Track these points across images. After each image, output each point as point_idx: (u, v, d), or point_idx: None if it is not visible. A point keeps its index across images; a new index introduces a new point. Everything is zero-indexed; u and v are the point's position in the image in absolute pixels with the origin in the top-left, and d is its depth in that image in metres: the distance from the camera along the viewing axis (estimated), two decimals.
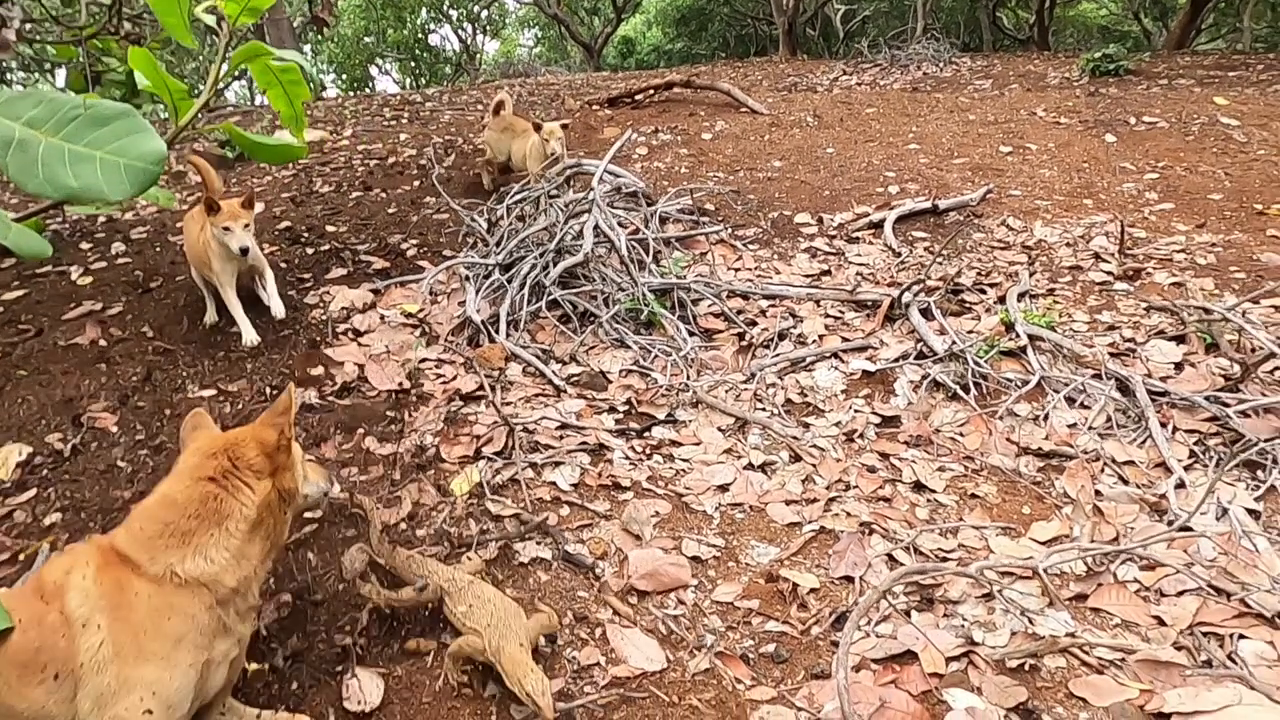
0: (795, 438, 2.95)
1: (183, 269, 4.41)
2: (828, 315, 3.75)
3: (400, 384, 3.26)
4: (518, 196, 4.36)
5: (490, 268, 3.89)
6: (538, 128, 4.90)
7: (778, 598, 2.14)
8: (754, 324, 3.71)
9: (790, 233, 4.65)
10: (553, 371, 3.32)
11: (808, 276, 4.12)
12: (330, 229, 5.17)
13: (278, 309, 3.50)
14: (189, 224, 3.73)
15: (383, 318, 3.91)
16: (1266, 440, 2.59)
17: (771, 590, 2.15)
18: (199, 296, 3.90)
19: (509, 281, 3.83)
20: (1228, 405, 2.73)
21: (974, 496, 2.64)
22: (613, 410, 3.08)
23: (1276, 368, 2.99)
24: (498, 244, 4.05)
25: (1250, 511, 2.40)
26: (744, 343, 3.59)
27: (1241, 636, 1.90)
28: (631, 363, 3.42)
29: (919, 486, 2.69)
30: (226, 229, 3.32)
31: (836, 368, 3.38)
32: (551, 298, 3.71)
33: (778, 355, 3.43)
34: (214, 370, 3.45)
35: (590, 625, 2.05)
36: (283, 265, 4.55)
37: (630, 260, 3.76)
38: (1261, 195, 4.59)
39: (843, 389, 3.26)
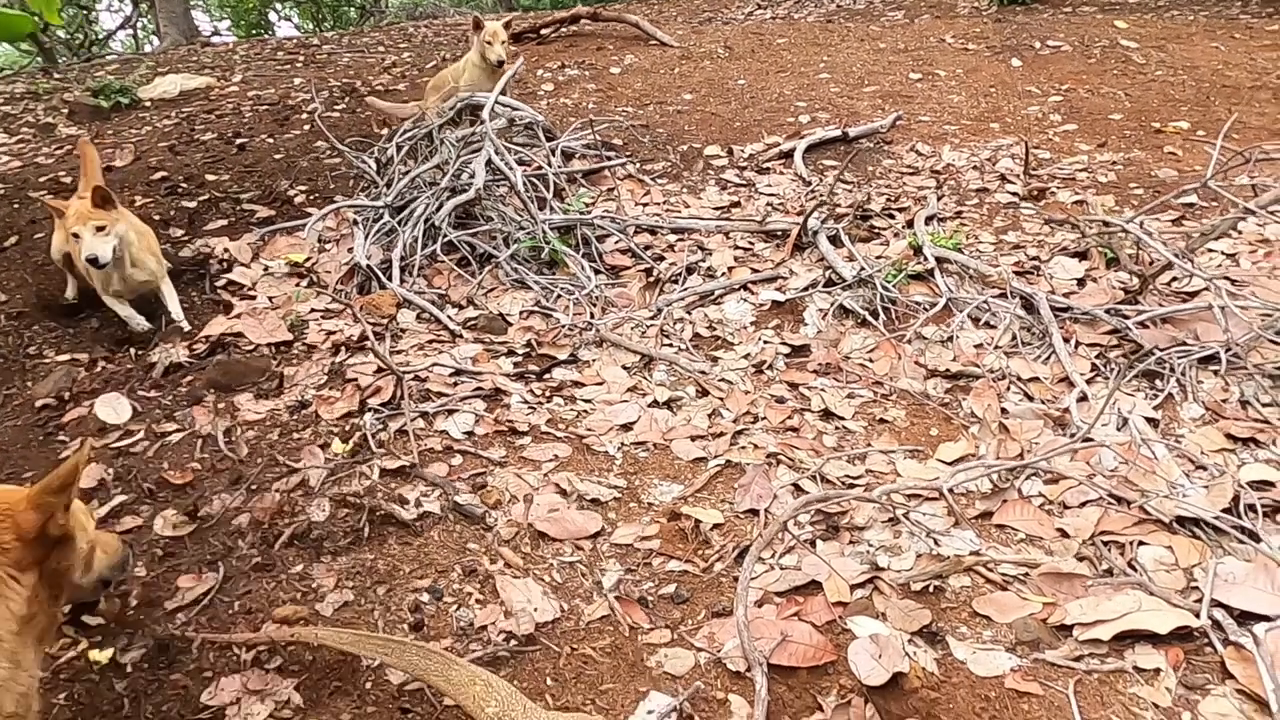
0: (703, 372, 2.84)
1: (45, 225, 4.01)
2: (737, 247, 3.63)
3: (281, 337, 3.01)
4: (408, 134, 4.07)
5: (380, 210, 3.63)
6: (478, 25, 4.39)
7: (680, 536, 2.04)
8: (661, 259, 3.56)
9: (700, 165, 4.49)
10: (448, 316, 3.12)
11: (717, 209, 3.99)
12: (211, 178, 4.78)
13: (178, 316, 3.11)
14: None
15: (266, 269, 3.63)
16: (1163, 350, 2.60)
17: (673, 529, 2.05)
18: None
19: (401, 225, 3.58)
20: (1127, 317, 2.73)
21: (882, 421, 2.59)
22: (511, 353, 2.91)
23: (1174, 279, 3.01)
24: (389, 185, 3.78)
25: (1149, 420, 2.41)
26: (651, 278, 3.44)
27: (1141, 543, 1.89)
28: (533, 304, 3.25)
29: (827, 414, 2.62)
30: (75, 235, 2.77)
31: (746, 300, 3.28)
32: (447, 240, 3.49)
33: (686, 290, 3.30)
34: (76, 336, 3.14)
35: (479, 579, 1.91)
36: (156, 218, 4.18)
37: (530, 197, 3.55)
38: (1159, 114, 4.63)
39: (752, 321, 3.16)
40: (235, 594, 1.90)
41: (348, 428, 2.47)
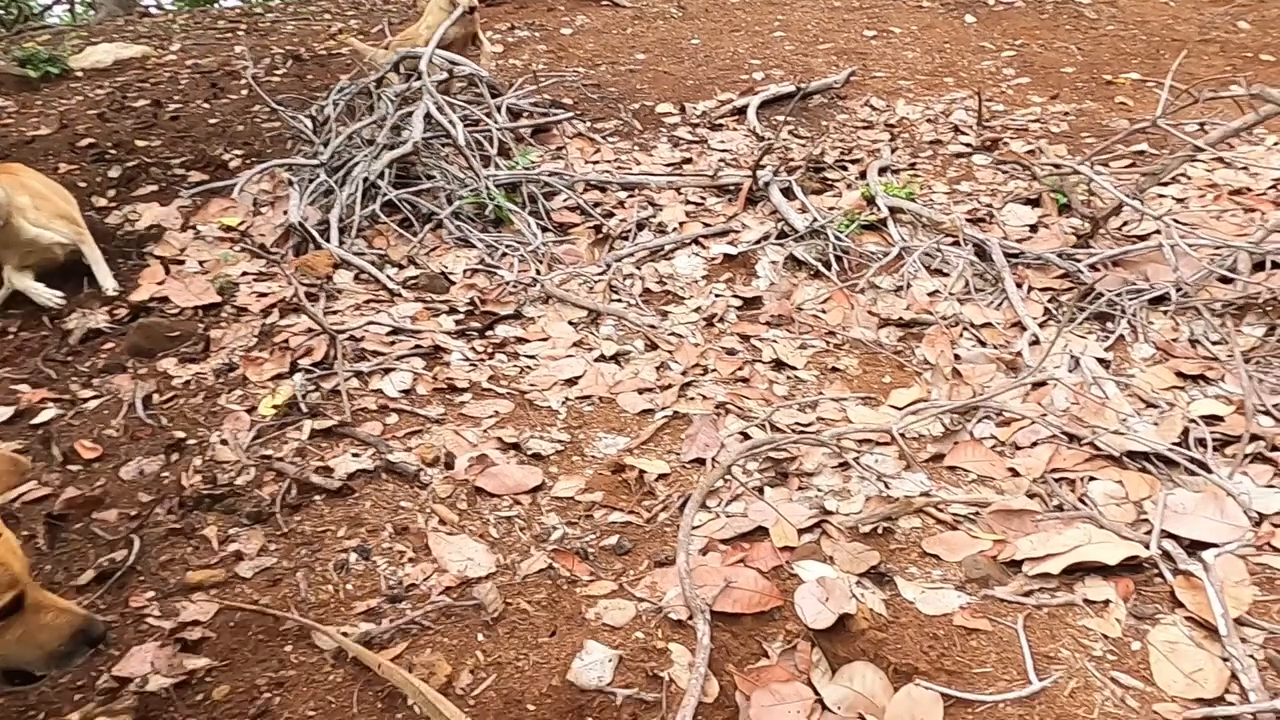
0: (652, 326, 2.76)
1: None
2: (688, 202, 3.54)
3: (209, 300, 2.86)
4: (345, 91, 3.90)
5: (316, 170, 3.47)
6: None
7: (623, 488, 1.96)
8: (611, 216, 3.46)
9: (652, 123, 4.38)
10: (387, 276, 2.99)
11: (669, 165, 3.89)
12: (141, 144, 4.55)
13: (107, 283, 2.94)
14: None
15: (197, 233, 3.46)
16: (1114, 292, 2.57)
17: (616, 481, 1.97)
18: None
19: (339, 185, 3.42)
20: (1078, 260, 2.69)
21: (834, 370, 2.53)
22: (453, 311, 2.80)
23: (1125, 223, 2.98)
24: (326, 145, 3.61)
25: (1101, 361, 2.38)
26: (601, 235, 3.34)
27: (1091, 479, 1.85)
28: (477, 262, 3.13)
29: (779, 365, 2.56)
30: None
31: (697, 254, 3.19)
32: (387, 199, 3.35)
33: (636, 245, 3.20)
34: None
35: (412, 536, 1.81)
36: (81, 185, 3.97)
37: (473, 153, 3.42)
38: (1111, 67, 4.62)
39: (704, 275, 3.08)
40: (150, 563, 1.78)
41: (277, 389, 2.34)
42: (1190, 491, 1.74)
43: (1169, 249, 2.48)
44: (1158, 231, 2.74)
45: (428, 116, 3.37)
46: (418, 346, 2.57)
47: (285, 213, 3.41)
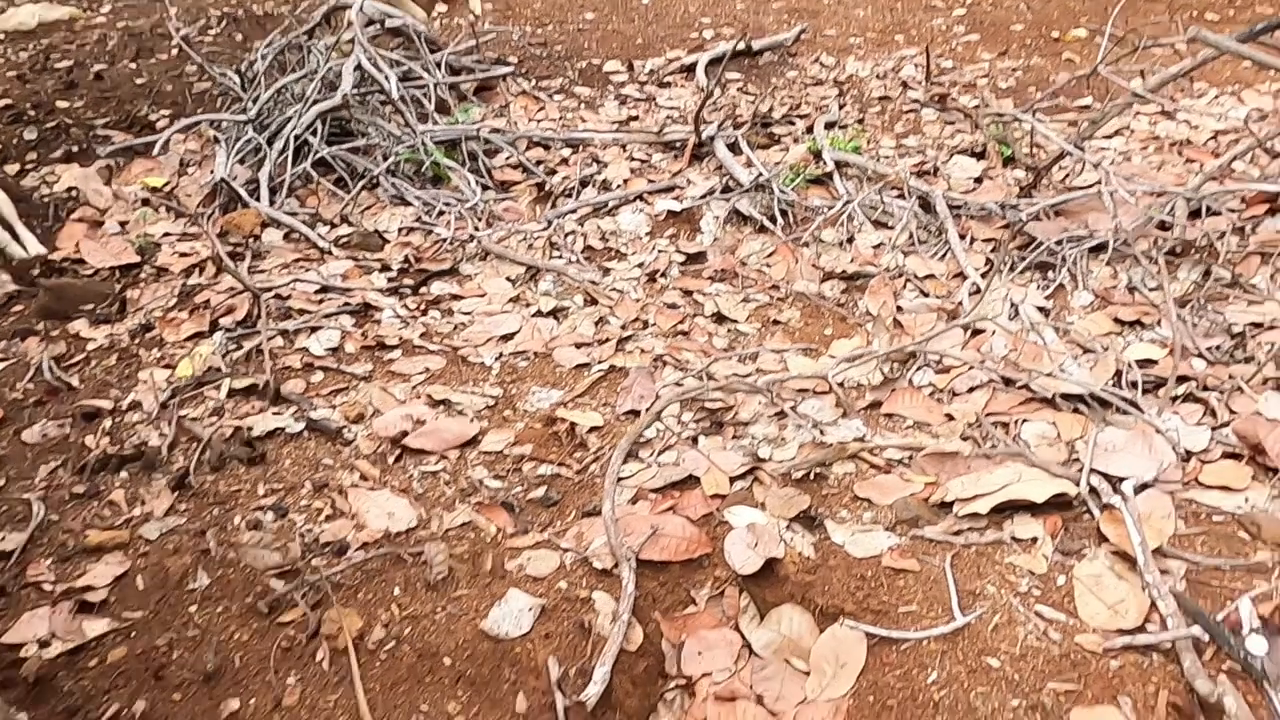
0: (593, 282, 2.69)
1: None
2: (633, 159, 3.46)
3: (128, 260, 2.73)
4: (274, 45, 3.73)
5: (244, 127, 3.32)
6: None
7: (554, 441, 1.90)
8: (554, 173, 3.37)
9: (600, 81, 4.28)
10: (319, 234, 2.88)
11: (615, 123, 3.80)
12: (63, 105, 4.33)
13: (25, 243, 2.78)
14: None
15: (119, 194, 3.29)
16: (1054, 241, 2.56)
17: (547, 434, 1.91)
18: None
19: (269, 142, 3.28)
20: (1019, 209, 2.68)
21: (776, 323, 2.49)
22: (386, 269, 2.70)
23: (1068, 174, 2.97)
24: (256, 101, 3.46)
25: (1040, 309, 2.37)
26: (543, 192, 3.26)
27: (1025, 421, 1.84)
28: (414, 220, 3.03)
29: (720, 318, 2.51)
30: None
31: (641, 210, 3.12)
32: (319, 156, 3.22)
33: (579, 202, 3.13)
34: None
35: (332, 493, 1.74)
36: None
37: (408, 108, 3.30)
38: (1059, 24, 4.61)
39: (647, 231, 3.02)
40: (52, 528, 1.69)
41: (195, 349, 2.24)
42: (1120, 430, 1.73)
43: (1108, 196, 2.47)
44: (1099, 181, 2.73)
45: (359, 69, 3.23)
46: (347, 304, 2.47)
47: (212, 172, 3.26)
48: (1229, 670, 1.19)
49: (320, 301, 2.50)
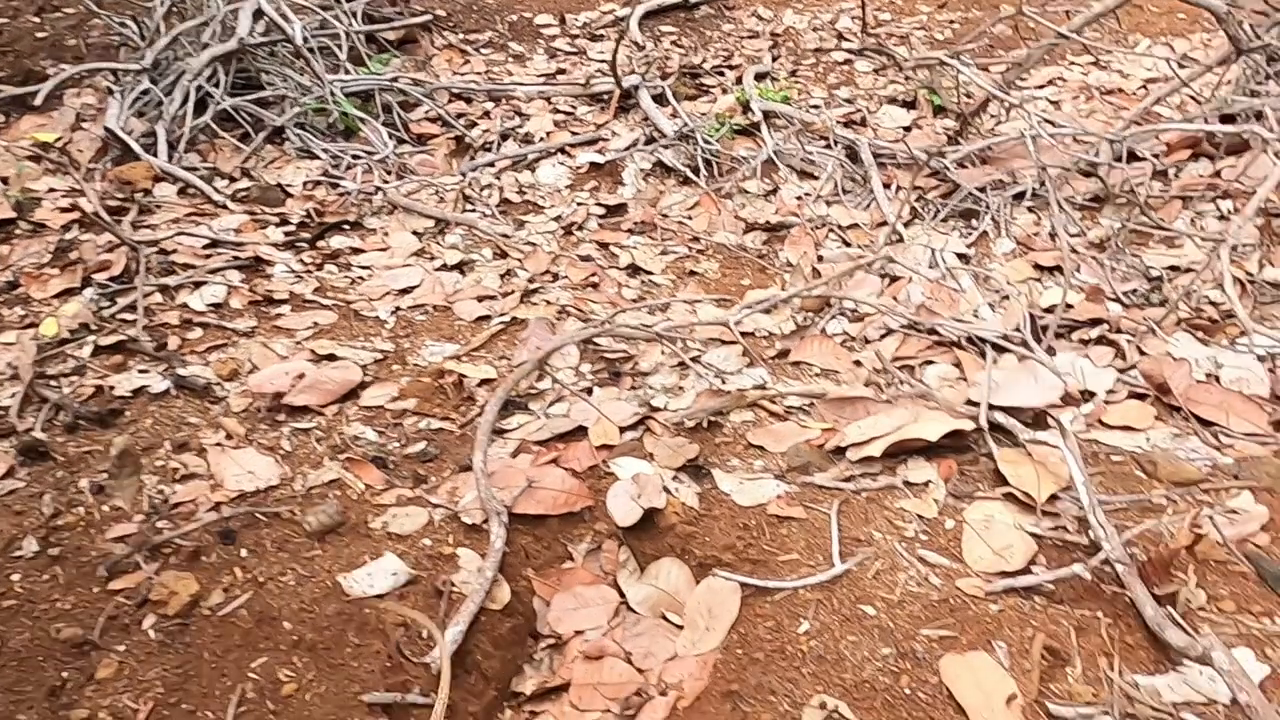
0: (505, 235, 2.56)
1: None
2: (558, 112, 3.33)
3: (2, 216, 2.54)
4: None
5: (137, 76, 3.11)
6: None
7: (440, 394, 1.79)
8: (474, 126, 3.23)
9: (529, 35, 4.11)
10: (215, 188, 2.71)
11: (543, 76, 3.65)
12: None
13: None
14: None
15: (6, 149, 3.08)
16: (978, 188, 2.49)
17: (433, 387, 1.80)
18: None
19: (166, 93, 3.08)
20: (944, 156, 2.60)
21: (692, 274, 2.39)
22: (284, 223, 2.55)
23: (998, 121, 2.90)
24: (151, 49, 3.25)
25: (961, 256, 2.30)
26: (461, 146, 3.11)
27: (928, 363, 1.76)
28: (320, 174, 2.87)
29: (635, 270, 2.41)
30: None
31: (562, 163, 3.00)
32: (221, 108, 3.03)
33: (498, 155, 2.99)
34: None
35: (191, 452, 1.61)
36: None
37: (316, 57, 3.12)
38: None
39: (568, 184, 2.90)
40: None
41: (62, 306, 2.08)
42: (1010, 367, 1.67)
43: (1030, 141, 2.39)
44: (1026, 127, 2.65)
45: (259, 13, 3.04)
46: (236, 258, 2.32)
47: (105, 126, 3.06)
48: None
49: (208, 256, 2.35)
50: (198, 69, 2.92)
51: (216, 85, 3.10)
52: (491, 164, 2.97)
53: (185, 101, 3.05)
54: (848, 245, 2.47)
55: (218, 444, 1.63)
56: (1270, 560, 1.11)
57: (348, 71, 3.28)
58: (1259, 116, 2.23)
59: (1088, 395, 1.60)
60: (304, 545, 1.37)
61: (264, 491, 1.50)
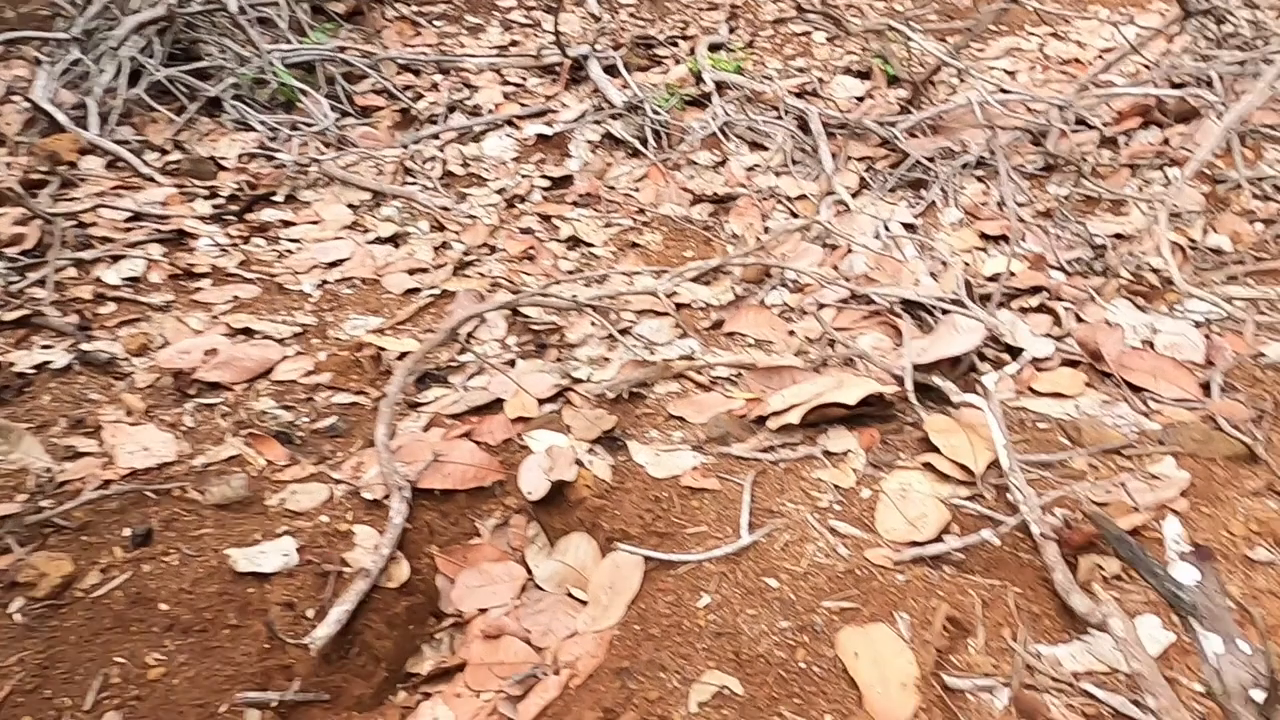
0: (445, 208, 2.49)
1: None
2: (508, 84, 3.24)
3: None
4: None
5: (66, 46, 3.00)
6: None
7: (356, 368, 1.72)
8: (421, 98, 3.14)
9: (485, 7, 4.01)
10: (145, 161, 2.62)
11: (496, 48, 3.56)
12: None
13: None
14: None
15: None
16: (927, 158, 2.43)
17: (349, 361, 1.73)
18: None
19: (97, 63, 2.97)
20: (894, 125, 2.54)
21: (634, 245, 2.33)
22: (214, 196, 2.46)
23: (953, 89, 2.85)
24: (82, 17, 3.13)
25: (907, 226, 2.24)
26: (406, 118, 3.03)
27: (862, 334, 1.71)
28: (256, 146, 2.77)
29: (576, 243, 2.34)
30: None
31: (510, 135, 2.92)
32: (155, 79, 2.93)
33: (443, 128, 2.91)
34: None
35: (88, 430, 1.54)
36: None
37: (252, 25, 3.01)
38: None
39: (514, 156, 2.82)
40: None
41: None
42: (942, 325, 1.63)
43: (977, 108, 2.34)
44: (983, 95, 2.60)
45: None
46: (158, 232, 2.24)
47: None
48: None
49: (129, 230, 2.26)
50: (123, 36, 2.81)
51: (151, 56, 3.00)
52: (436, 136, 2.89)
53: (118, 73, 2.95)
54: (795, 216, 2.41)
55: (116, 421, 1.56)
56: (1112, 522, 1.05)
57: (289, 42, 3.18)
58: (1208, 83, 2.19)
59: (1016, 352, 1.56)
60: (192, 524, 1.30)
61: (158, 469, 1.43)
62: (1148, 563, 0.81)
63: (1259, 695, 0.69)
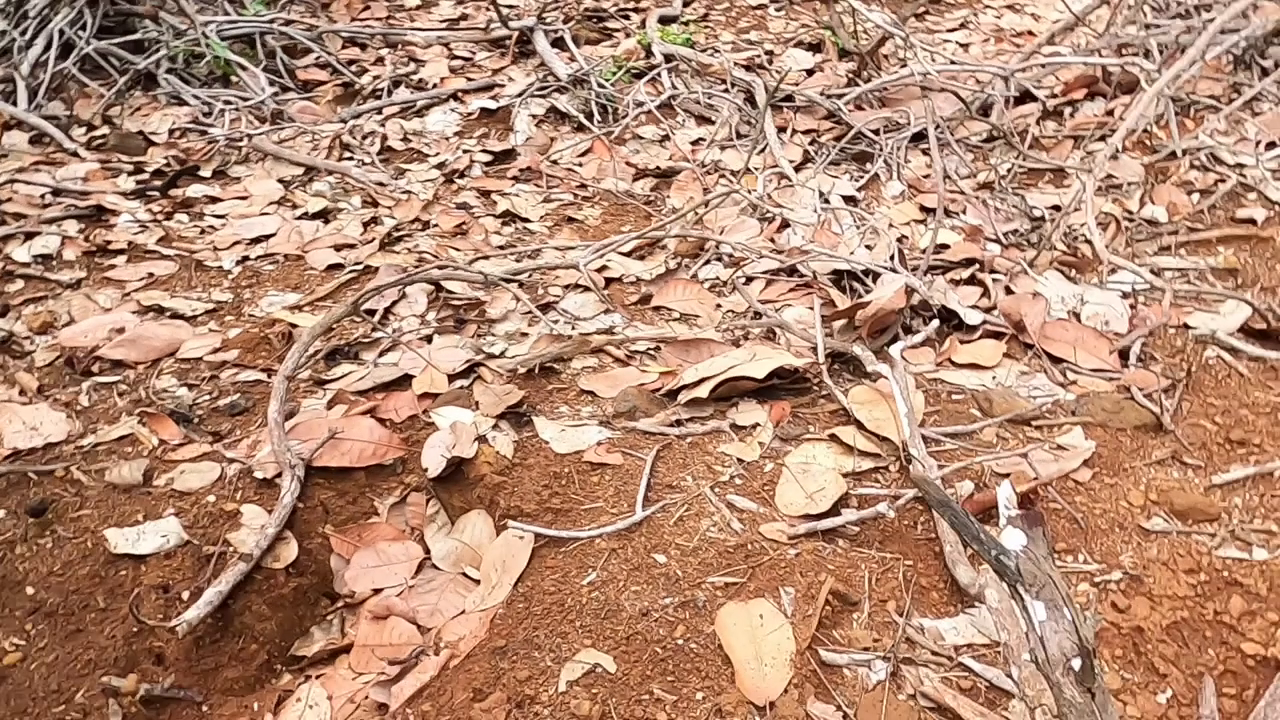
0: (380, 184, 2.42)
1: None
2: (455, 58, 3.17)
3: None
4: None
5: None
6: None
7: (265, 345, 1.66)
8: (365, 73, 3.06)
9: None
10: (71, 136, 2.54)
11: (445, 21, 3.48)
12: None
13: None
14: None
15: None
16: (872, 131, 2.39)
17: (258, 338, 1.67)
18: None
19: (24, 34, 2.88)
20: (840, 98, 2.49)
21: (571, 220, 2.28)
22: (139, 171, 2.39)
23: (903, 62, 2.80)
24: None
25: (849, 199, 2.20)
26: (349, 92, 2.95)
27: (789, 305, 1.67)
28: (189, 120, 2.69)
29: (511, 218, 2.28)
30: None
31: (454, 110, 2.85)
32: (85, 52, 2.84)
33: (385, 102, 2.84)
34: None
35: None
36: None
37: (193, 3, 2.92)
38: None
39: (456, 130, 2.75)
40: None
41: None
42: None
43: (920, 79, 2.29)
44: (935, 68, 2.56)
45: None
46: (75, 208, 2.16)
47: None
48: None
49: (46, 206, 2.18)
50: (41, 7, 2.72)
51: (84, 30, 2.90)
52: (379, 110, 2.82)
53: (49, 46, 2.85)
54: (736, 191, 2.36)
55: (7, 400, 1.50)
56: (937, 487, 0.99)
57: (226, 14, 3.09)
58: (1147, 54, 2.16)
59: (945, 313, 1.53)
60: (72, 504, 1.25)
61: (44, 449, 1.37)
62: (972, 529, 0.77)
63: (1079, 663, 0.67)
